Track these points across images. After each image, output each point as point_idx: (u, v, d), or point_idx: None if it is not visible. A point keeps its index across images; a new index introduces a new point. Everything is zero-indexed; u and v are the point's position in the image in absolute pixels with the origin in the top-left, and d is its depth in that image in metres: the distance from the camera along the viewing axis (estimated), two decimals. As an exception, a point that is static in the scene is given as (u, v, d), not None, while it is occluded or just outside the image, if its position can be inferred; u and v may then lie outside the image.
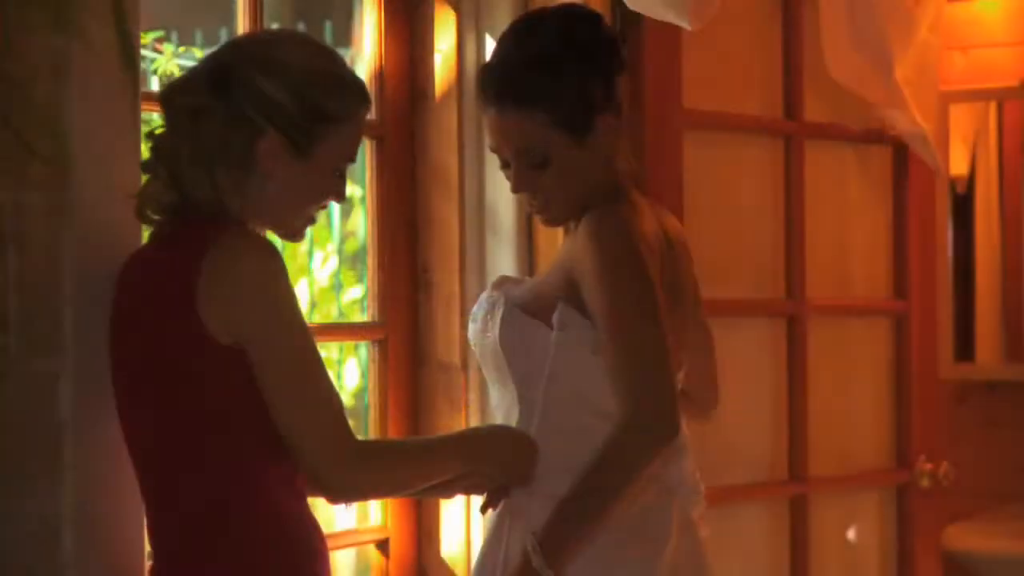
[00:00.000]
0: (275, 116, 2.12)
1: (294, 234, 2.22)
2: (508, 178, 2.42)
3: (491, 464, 2.31)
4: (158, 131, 2.16)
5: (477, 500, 2.49)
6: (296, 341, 2.09)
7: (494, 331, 2.41)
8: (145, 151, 2.19)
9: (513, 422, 2.42)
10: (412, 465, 2.22)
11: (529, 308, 2.38)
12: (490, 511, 2.44)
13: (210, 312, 2.05)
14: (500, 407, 2.47)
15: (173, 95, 2.15)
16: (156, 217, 2.15)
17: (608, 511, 2.26)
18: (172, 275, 2.08)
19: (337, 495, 2.18)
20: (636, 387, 2.24)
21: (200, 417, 2.08)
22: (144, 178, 2.17)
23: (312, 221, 2.23)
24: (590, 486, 2.24)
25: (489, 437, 2.35)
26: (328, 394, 2.11)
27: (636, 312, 2.27)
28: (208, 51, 2.22)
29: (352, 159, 2.23)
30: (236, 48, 2.18)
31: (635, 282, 2.28)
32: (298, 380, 2.08)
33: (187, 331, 2.06)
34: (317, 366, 2.10)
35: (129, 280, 2.14)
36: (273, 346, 2.07)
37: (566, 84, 2.35)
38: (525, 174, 2.39)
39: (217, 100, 2.11)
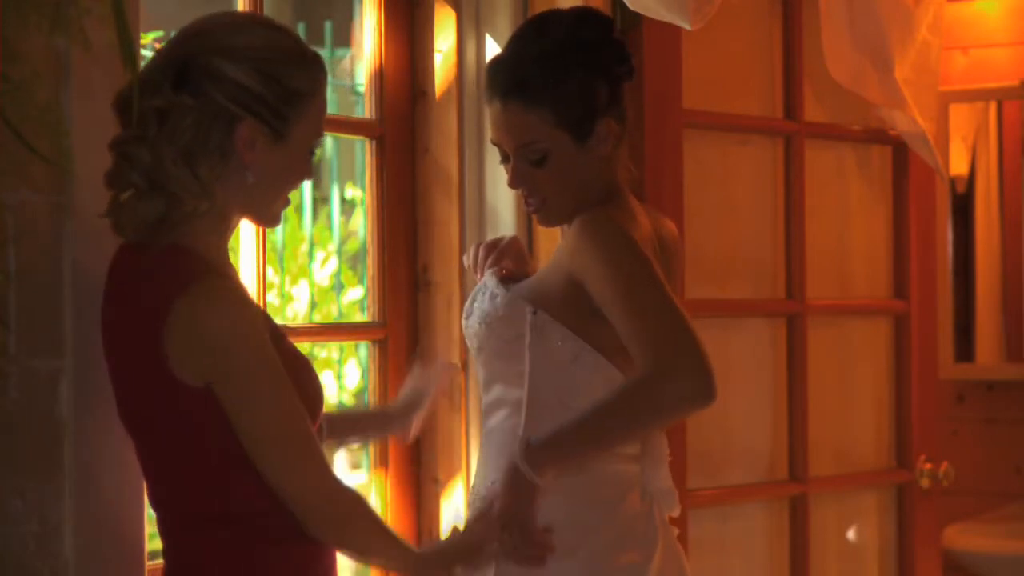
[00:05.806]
0: (251, 103, 2.07)
1: (273, 219, 2.19)
2: (507, 172, 2.43)
3: None
4: (119, 141, 2.08)
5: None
6: (269, 399, 2.04)
7: (481, 306, 2.43)
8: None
9: (502, 416, 2.43)
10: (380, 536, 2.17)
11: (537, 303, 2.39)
12: None
13: (179, 360, 2.02)
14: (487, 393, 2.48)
15: (131, 100, 2.04)
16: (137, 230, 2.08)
17: (610, 444, 2.32)
18: (142, 321, 2.04)
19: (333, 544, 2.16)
20: (664, 340, 2.23)
21: (184, 440, 2.07)
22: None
23: (288, 203, 2.19)
24: (606, 413, 2.25)
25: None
26: (308, 451, 2.06)
27: (646, 283, 2.26)
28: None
29: (322, 134, 2.18)
30: (192, 38, 2.11)
31: (637, 263, 2.28)
32: (278, 441, 2.05)
33: (157, 374, 2.03)
34: (295, 422, 2.06)
35: (111, 298, 2.11)
36: (247, 402, 2.03)
37: (572, 85, 2.37)
38: (523, 170, 2.40)
39: (185, 96, 2.05)
